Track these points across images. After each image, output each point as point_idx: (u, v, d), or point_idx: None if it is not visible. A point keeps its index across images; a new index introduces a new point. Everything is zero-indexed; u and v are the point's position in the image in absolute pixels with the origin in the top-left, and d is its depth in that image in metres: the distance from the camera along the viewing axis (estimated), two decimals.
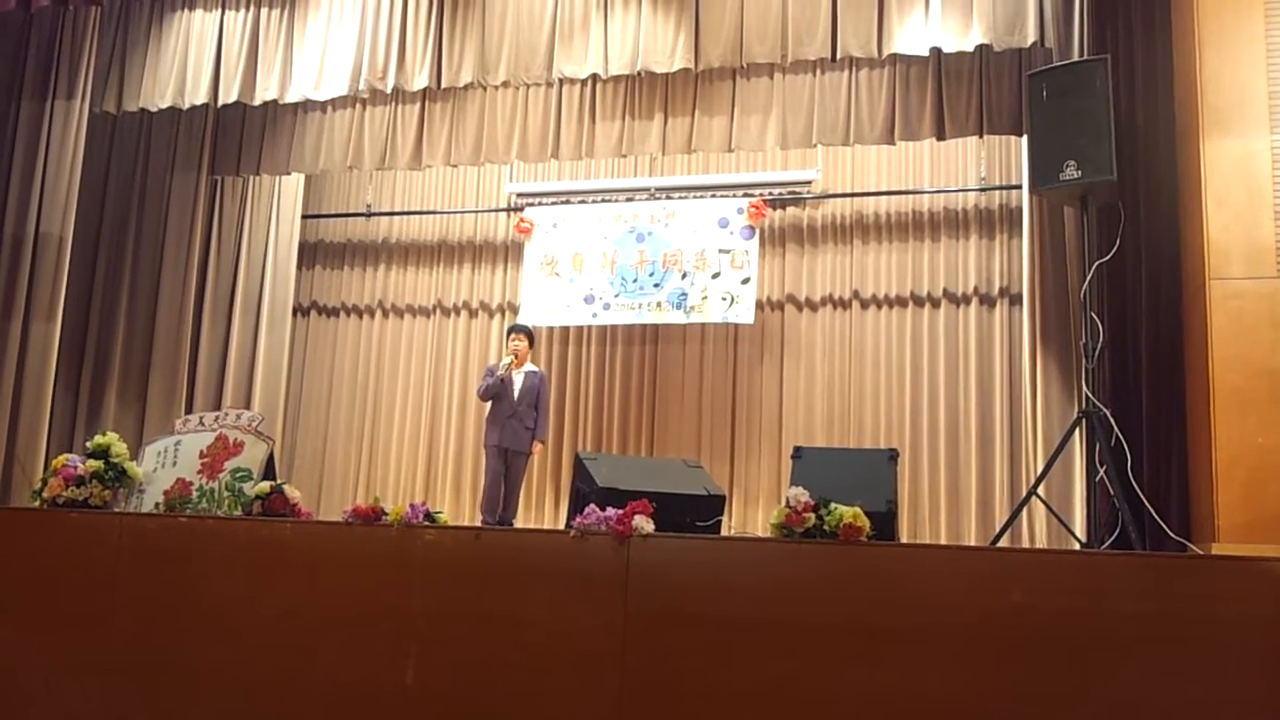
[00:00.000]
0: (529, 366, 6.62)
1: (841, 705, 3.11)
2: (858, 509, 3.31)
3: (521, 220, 7.74)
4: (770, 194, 7.37)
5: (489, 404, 6.58)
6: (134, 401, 7.18)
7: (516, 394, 6.45)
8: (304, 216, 8.02)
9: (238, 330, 7.53)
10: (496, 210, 8.00)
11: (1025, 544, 5.86)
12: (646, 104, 6.75)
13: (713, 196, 7.45)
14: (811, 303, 7.29)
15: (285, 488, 4.04)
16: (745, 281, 7.15)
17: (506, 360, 6.49)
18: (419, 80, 6.44)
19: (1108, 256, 4.90)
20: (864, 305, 7.18)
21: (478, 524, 6.42)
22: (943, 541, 6.50)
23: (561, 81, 6.68)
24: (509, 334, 6.67)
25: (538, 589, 3.44)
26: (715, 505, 4.28)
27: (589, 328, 7.51)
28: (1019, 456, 6.45)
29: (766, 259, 7.32)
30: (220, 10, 6.78)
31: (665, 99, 6.72)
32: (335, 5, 6.63)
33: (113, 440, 4.38)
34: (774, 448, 7.10)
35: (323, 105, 7.18)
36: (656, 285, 7.32)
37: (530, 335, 6.69)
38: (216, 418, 4.64)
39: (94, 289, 7.27)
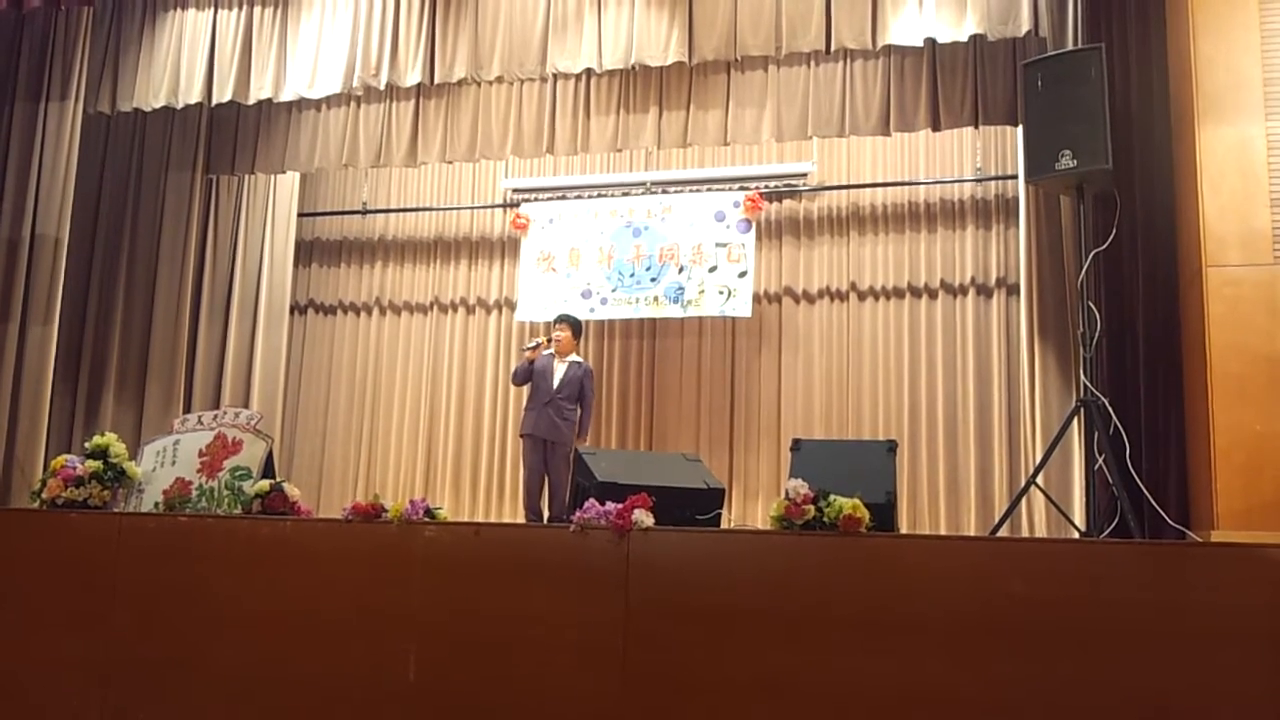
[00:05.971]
0: (574, 358, 6.54)
1: (842, 696, 3.11)
2: (857, 500, 3.31)
3: (518, 216, 7.74)
4: (766, 187, 7.37)
5: (526, 392, 6.52)
6: (132, 401, 7.17)
7: (556, 383, 6.37)
8: (300, 215, 8.01)
9: (235, 329, 7.52)
10: (492, 206, 7.99)
11: (1025, 533, 5.87)
12: (641, 98, 6.73)
13: (708, 190, 7.45)
14: (809, 295, 7.29)
15: (285, 486, 4.04)
16: (742, 275, 7.14)
17: (536, 341, 6.50)
18: (412, 76, 6.42)
19: (1104, 245, 4.89)
20: (861, 297, 7.18)
21: (477, 520, 6.42)
22: (942, 532, 6.50)
23: (556, 76, 6.68)
24: (554, 324, 6.70)
25: (538, 584, 3.44)
26: (715, 498, 4.29)
27: (586, 323, 7.48)
28: (1018, 446, 6.46)
29: (763, 252, 7.32)
30: (213, 9, 6.75)
31: (660, 93, 6.70)
32: (328, 3, 6.60)
33: (111, 440, 4.38)
34: (773, 440, 7.11)
35: (317, 103, 7.17)
36: (653, 279, 7.32)
37: (574, 325, 6.62)
38: (215, 416, 4.64)
39: (90, 290, 7.26)
